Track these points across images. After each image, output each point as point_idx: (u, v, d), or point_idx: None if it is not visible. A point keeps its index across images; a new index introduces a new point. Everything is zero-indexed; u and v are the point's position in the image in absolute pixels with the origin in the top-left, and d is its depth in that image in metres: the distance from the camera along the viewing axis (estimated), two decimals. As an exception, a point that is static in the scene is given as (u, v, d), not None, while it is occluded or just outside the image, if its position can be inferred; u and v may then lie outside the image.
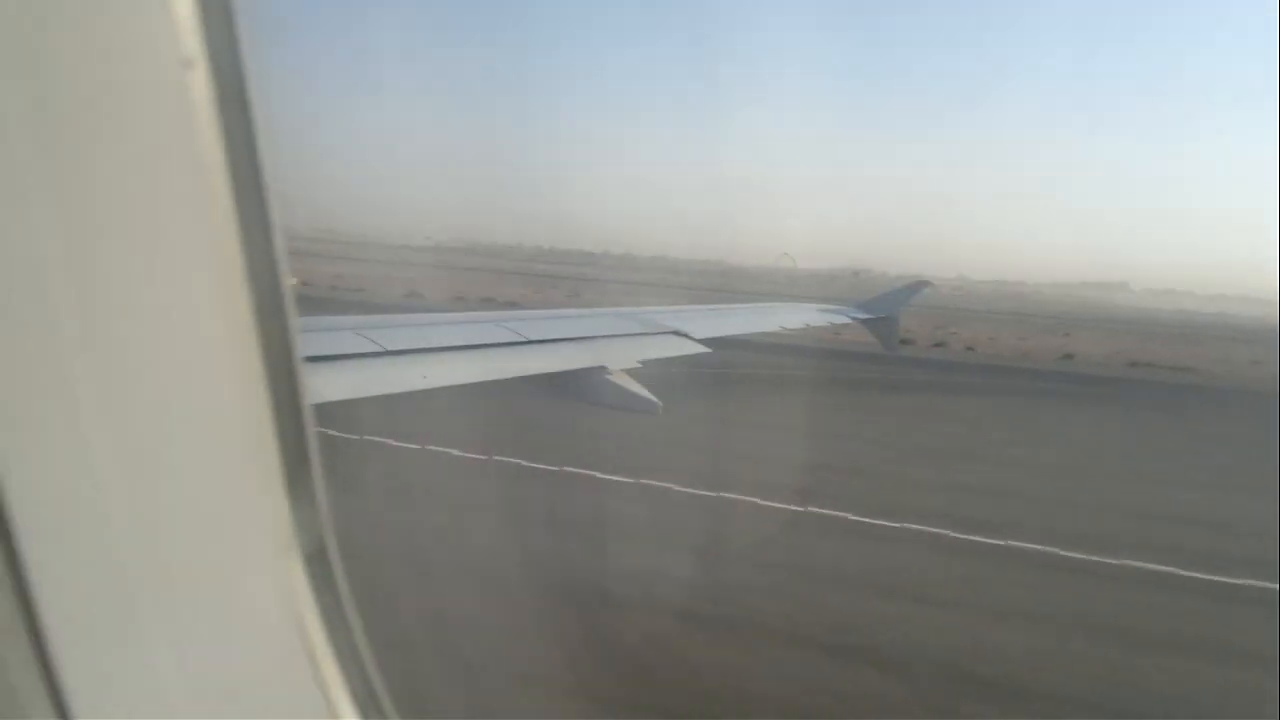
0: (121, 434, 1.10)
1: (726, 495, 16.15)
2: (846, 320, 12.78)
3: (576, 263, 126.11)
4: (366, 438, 16.84)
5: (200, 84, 1.07)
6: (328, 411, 5.72)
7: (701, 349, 8.72)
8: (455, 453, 17.28)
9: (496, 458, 17.32)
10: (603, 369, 7.40)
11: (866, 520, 15.22)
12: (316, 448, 1.27)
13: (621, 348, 7.99)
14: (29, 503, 1.04)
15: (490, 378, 6.76)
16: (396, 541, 12.45)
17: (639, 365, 7.77)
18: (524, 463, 17.09)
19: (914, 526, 14.79)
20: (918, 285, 14.38)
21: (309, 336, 5.84)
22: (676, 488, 16.15)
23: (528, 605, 10.92)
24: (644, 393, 7.39)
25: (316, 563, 1.26)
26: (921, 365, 37.23)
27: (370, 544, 12.12)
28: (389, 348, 6.01)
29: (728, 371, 25.54)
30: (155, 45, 1.05)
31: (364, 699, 1.31)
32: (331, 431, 15.03)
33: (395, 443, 17.20)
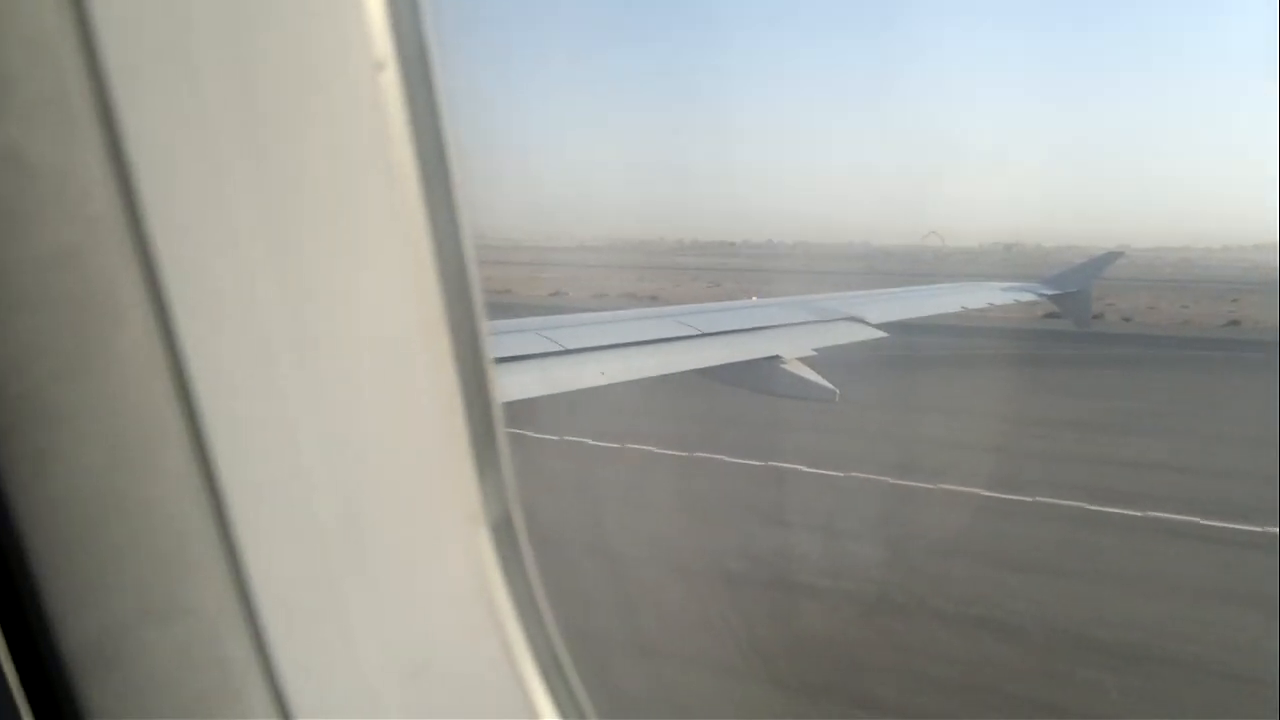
0: (325, 426, 1.14)
1: (944, 486, 15.61)
2: (1034, 298, 12.16)
3: (718, 254, 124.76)
4: (555, 436, 17.38)
5: (392, 86, 1.10)
6: (517, 411, 6.00)
7: (879, 334, 8.54)
8: (646, 448, 17.58)
9: (696, 453, 17.45)
10: (777, 358, 7.38)
11: (1105, 509, 14.38)
12: (503, 426, 1.29)
13: (796, 336, 7.94)
14: (245, 498, 1.10)
15: (666, 371, 6.86)
16: (611, 536, 12.78)
17: (814, 353, 7.70)
18: (715, 456, 17.11)
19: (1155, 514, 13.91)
20: (1110, 256, 13.51)
21: (494, 339, 6.11)
22: (886, 479, 15.72)
23: (757, 601, 10.99)
24: (820, 380, 7.32)
25: (503, 533, 1.28)
26: (1105, 340, 34.91)
27: (576, 534, 12.50)
28: (568, 346, 6.21)
29: (909, 356, 24.72)
30: (349, 48, 1.08)
31: (562, 698, 1.34)
32: (521, 431, 15.58)
33: (586, 440, 17.58)
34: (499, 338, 6.14)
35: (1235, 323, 45.16)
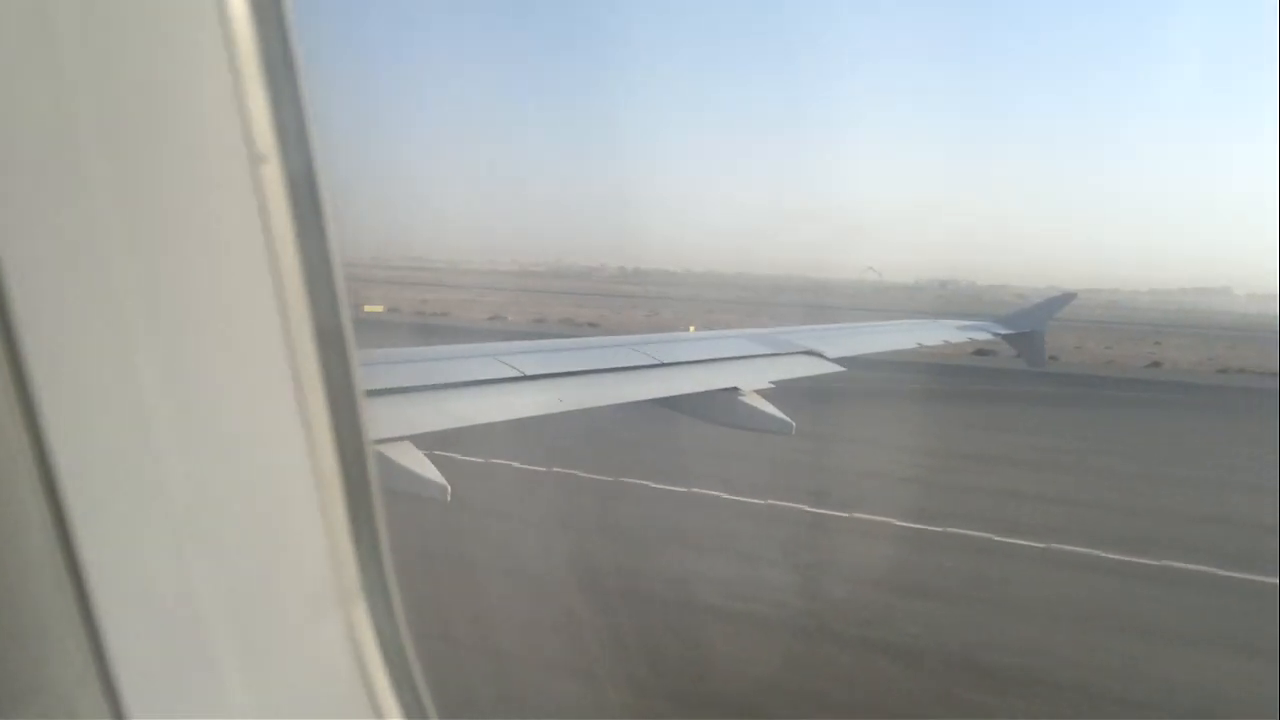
0: (190, 463, 1.13)
1: (857, 514, 16.01)
2: (989, 336, 12.34)
3: (658, 282, 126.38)
4: (505, 462, 17.34)
5: (273, 178, 1.12)
6: (475, 435, 5.92)
7: (836, 368, 8.58)
8: (587, 475, 17.61)
9: (627, 479, 17.52)
10: (735, 390, 7.37)
11: (1013, 541, 14.77)
12: (380, 492, 1.29)
13: (754, 368, 7.94)
14: (106, 576, 1.08)
15: (623, 400, 6.81)
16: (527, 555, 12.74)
17: (771, 386, 7.71)
18: (655, 485, 17.23)
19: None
20: (1065, 297, 13.79)
21: (451, 363, 6.04)
22: (803, 507, 16.02)
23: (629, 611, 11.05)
24: (777, 413, 7.32)
25: (380, 608, 1.28)
26: (1058, 380, 35.77)
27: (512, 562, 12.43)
28: (527, 372, 6.15)
29: (864, 390, 25.05)
30: (231, 141, 1.09)
31: (408, 700, 1.32)
32: (474, 458, 15.52)
33: (536, 467, 17.62)
34: (461, 362, 6.07)
35: (1156, 364, 46.88)
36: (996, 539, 15.07)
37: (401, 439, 4.79)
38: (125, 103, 1.04)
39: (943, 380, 32.94)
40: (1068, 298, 13.92)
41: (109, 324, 1.05)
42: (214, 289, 1.13)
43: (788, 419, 7.25)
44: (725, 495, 16.66)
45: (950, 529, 15.41)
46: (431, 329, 42.82)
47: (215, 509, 1.15)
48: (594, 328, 52.47)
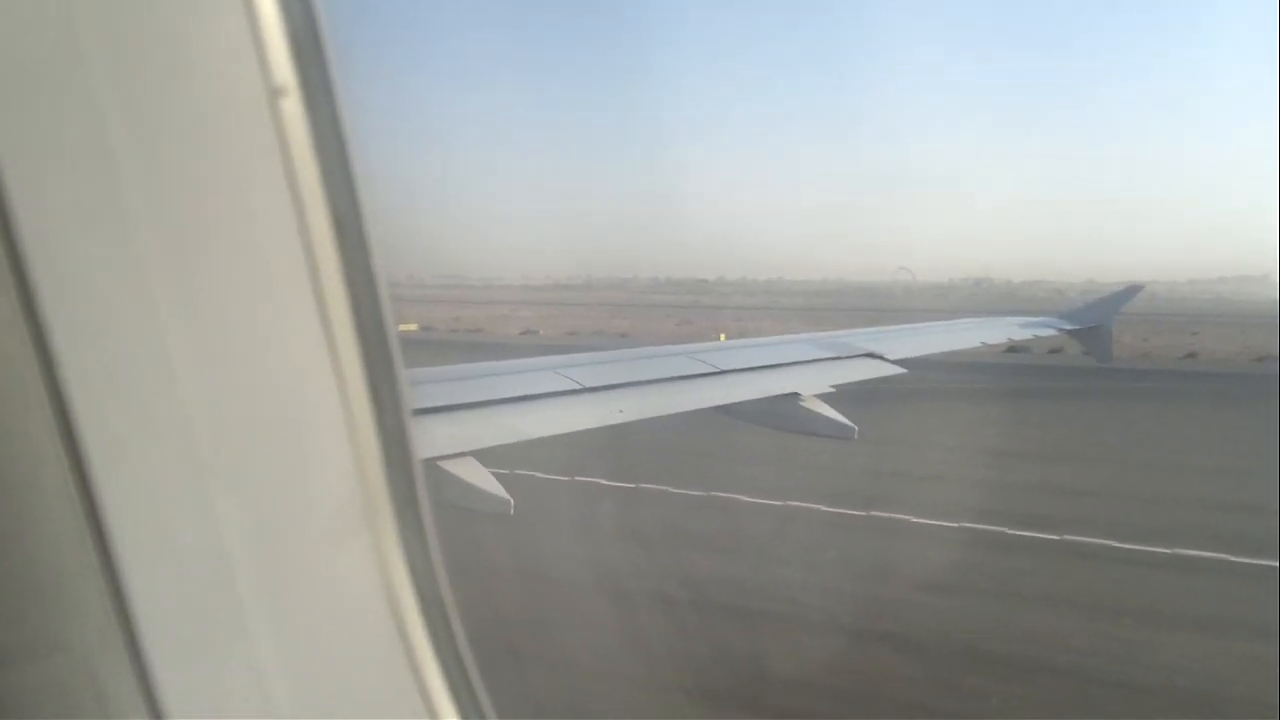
0: (232, 480, 1.10)
1: (873, 513, 15.69)
2: (1053, 333, 12.07)
3: (692, 291, 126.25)
4: (577, 478, 17.34)
5: (294, 113, 1.07)
6: (539, 450, 5.93)
7: (897, 370, 8.45)
8: (665, 488, 17.45)
9: (714, 492, 17.32)
10: (795, 395, 7.30)
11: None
12: (426, 495, 1.26)
13: (814, 373, 7.86)
14: (116, 468, 1.04)
15: (683, 409, 6.79)
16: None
17: (832, 390, 7.62)
18: (735, 496, 16.98)
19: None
20: (1131, 290, 13.39)
21: (510, 378, 6.07)
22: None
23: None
24: (838, 417, 7.23)
25: (432, 608, 1.24)
26: (1117, 375, 34.89)
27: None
28: (587, 385, 6.16)
29: (932, 391, 24.64)
30: (249, 75, 1.05)
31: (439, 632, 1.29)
32: (539, 474, 15.52)
33: (611, 482, 17.53)
34: (519, 376, 6.10)
35: (1193, 354, 45.99)
36: (1120, 545, 14.49)
37: (464, 454, 4.82)
38: (138, 37, 1.01)
39: (1006, 379, 32.33)
40: (1134, 290, 13.53)
41: (129, 271, 1.02)
42: (237, 232, 1.08)
43: (849, 423, 7.16)
44: (807, 505, 16.32)
45: (1069, 536, 14.93)
46: (465, 345, 43.26)
47: (238, 446, 1.11)
48: (625, 337, 52.61)
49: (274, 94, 1.06)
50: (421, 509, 1.25)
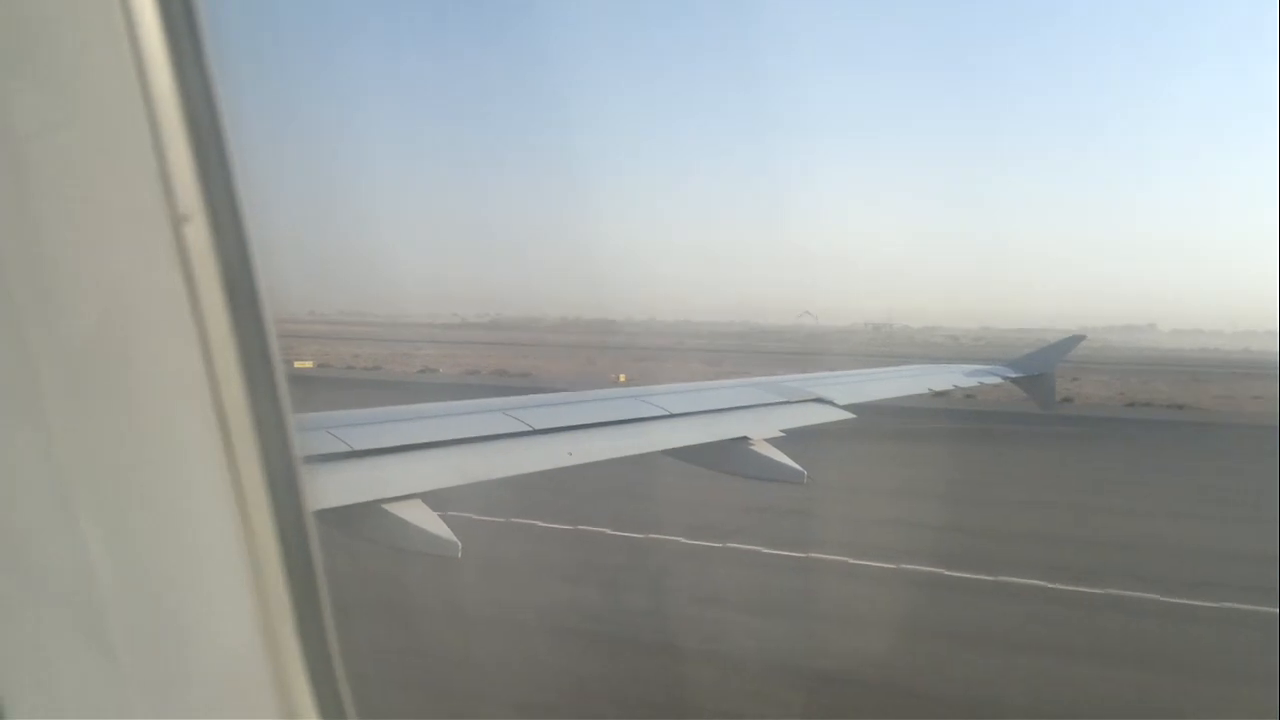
0: (117, 537, 1.09)
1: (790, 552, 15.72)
2: (999, 380, 12.31)
3: (598, 331, 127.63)
4: (523, 521, 17.14)
5: (199, 236, 1.08)
6: (487, 492, 5.87)
7: (846, 415, 8.52)
8: (599, 530, 17.35)
9: (652, 535, 17.27)
10: (745, 439, 7.31)
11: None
12: (326, 592, 1.24)
13: (763, 417, 7.89)
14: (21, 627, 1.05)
15: (634, 452, 6.75)
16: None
17: (781, 434, 7.64)
18: (681, 539, 16.92)
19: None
20: (1072, 340, 13.75)
21: (462, 419, 5.99)
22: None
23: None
24: (788, 462, 7.25)
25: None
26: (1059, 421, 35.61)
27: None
28: (536, 426, 6.10)
29: (880, 437, 24.88)
30: (154, 202, 1.06)
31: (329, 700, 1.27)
32: (476, 516, 15.36)
33: (555, 525, 17.37)
34: (469, 417, 6.03)
35: (1068, 399, 46.72)
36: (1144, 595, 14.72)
37: (411, 497, 4.73)
38: (38, 160, 1.01)
39: (948, 423, 32.85)
40: (1076, 340, 13.89)
41: (26, 391, 1.02)
42: (141, 361, 1.08)
43: (799, 467, 7.18)
44: (759, 549, 16.34)
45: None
46: (359, 383, 43.09)
47: (141, 603, 1.10)
48: (526, 377, 53.18)
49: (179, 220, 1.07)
50: (319, 592, 1.24)
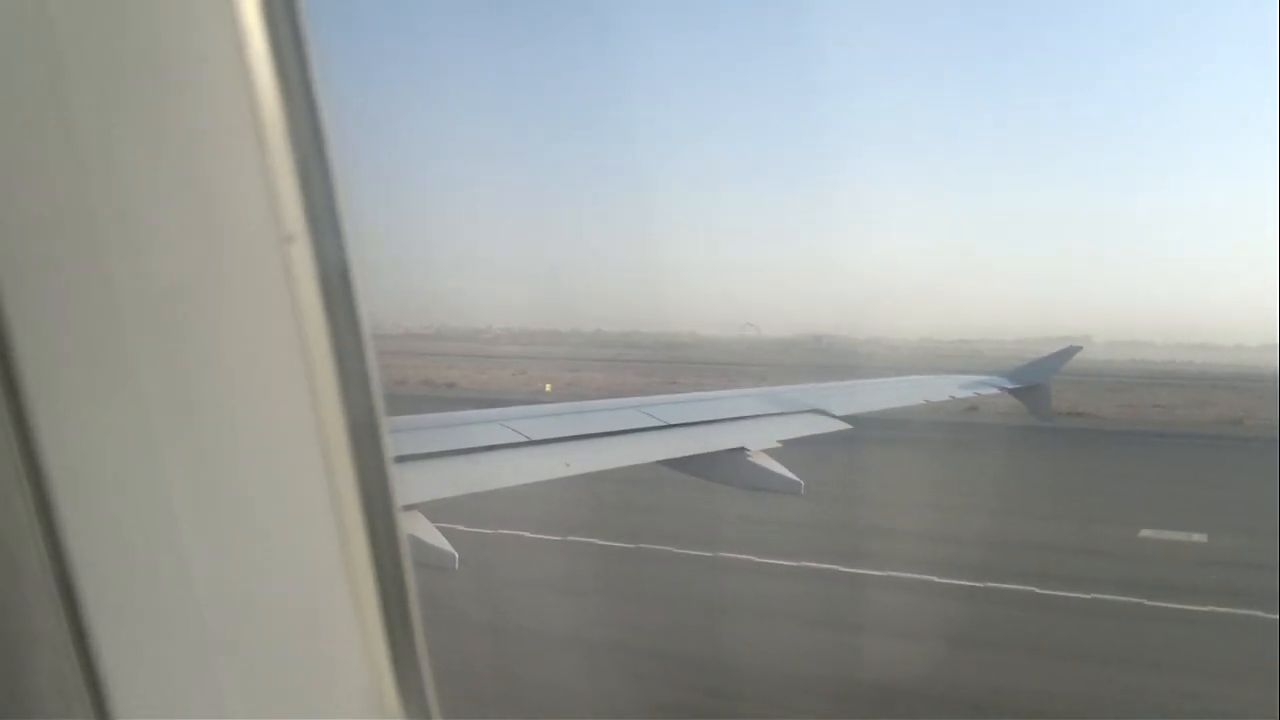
0: (211, 552, 1.12)
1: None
2: (994, 391, 12.33)
3: (542, 342, 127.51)
4: (518, 532, 17.20)
5: (303, 258, 1.12)
6: (486, 503, 5.89)
7: (843, 426, 8.55)
8: (593, 541, 17.47)
9: (636, 545, 17.41)
10: (742, 450, 7.34)
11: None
12: (416, 600, 1.28)
13: (760, 428, 7.92)
14: (113, 638, 1.08)
15: (630, 463, 6.79)
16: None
17: (778, 445, 7.67)
18: (674, 549, 17.08)
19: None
20: (1069, 351, 13.75)
21: (456, 430, 6.03)
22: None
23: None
24: (785, 472, 7.28)
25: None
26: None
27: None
28: (533, 437, 6.14)
29: (878, 447, 24.90)
30: (260, 221, 1.09)
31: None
32: (478, 529, 15.43)
33: (550, 536, 17.45)
34: (468, 429, 6.06)
35: (974, 408, 47.07)
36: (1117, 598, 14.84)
37: (409, 507, 4.77)
38: (150, 183, 1.04)
39: (945, 434, 32.91)
40: (1072, 350, 13.89)
41: (130, 406, 1.06)
42: (244, 376, 1.12)
43: (796, 478, 7.21)
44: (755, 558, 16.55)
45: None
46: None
47: (239, 603, 1.14)
48: (451, 388, 53.83)
49: (285, 240, 1.11)
50: (410, 602, 1.28)
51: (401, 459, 5.20)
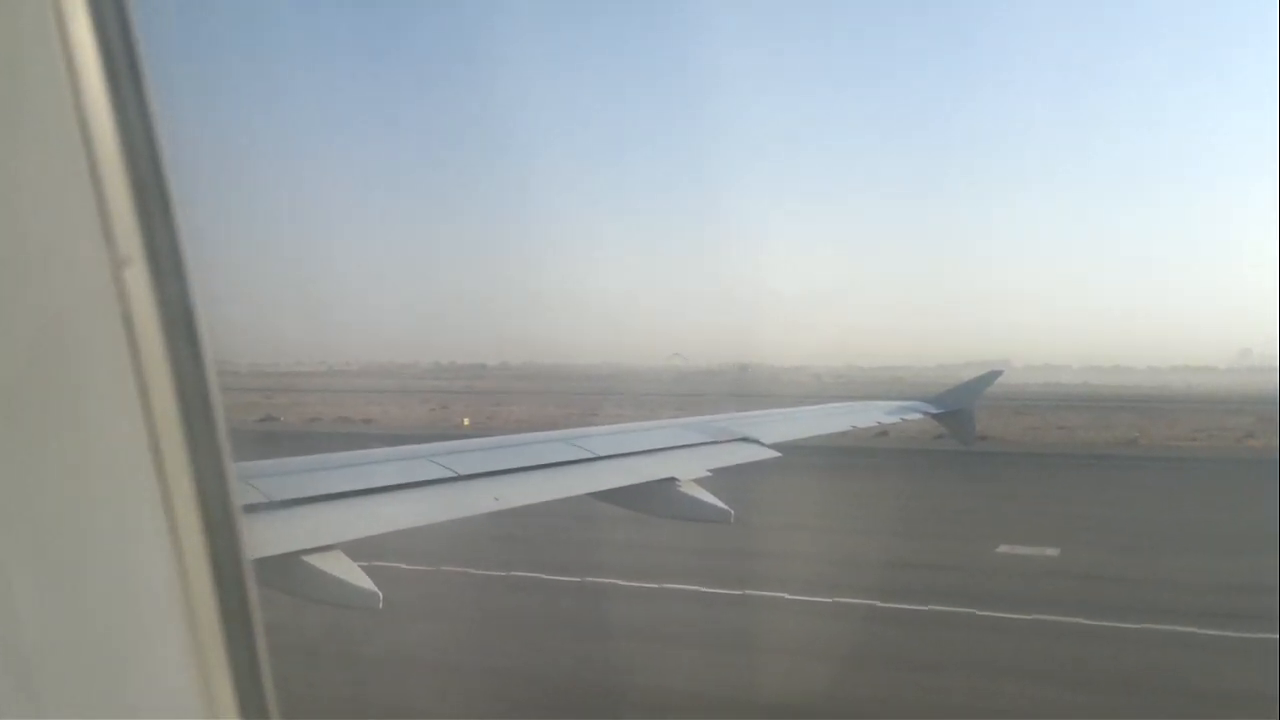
0: (45, 582, 1.08)
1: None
2: (920, 417, 12.55)
3: (468, 376, 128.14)
4: (448, 568, 16.99)
5: (139, 281, 1.07)
6: (407, 541, 5.75)
7: (772, 454, 8.58)
8: (522, 574, 17.46)
9: (567, 577, 17.37)
10: (673, 480, 7.30)
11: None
12: (260, 619, 1.26)
13: (691, 457, 7.89)
14: None
15: (560, 496, 6.70)
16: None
17: (709, 474, 7.65)
18: (610, 581, 17.16)
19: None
20: (991, 375, 14.09)
21: (385, 466, 5.88)
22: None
23: None
24: (715, 502, 7.25)
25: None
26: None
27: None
28: (461, 472, 6.01)
29: (808, 475, 25.25)
30: (91, 243, 1.04)
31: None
32: (403, 565, 15.34)
33: (483, 571, 17.49)
34: (397, 464, 5.91)
35: (884, 433, 48.47)
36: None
37: (331, 547, 4.60)
38: None
39: (858, 460, 33.67)
40: (994, 375, 14.23)
41: None
42: (76, 396, 1.06)
43: (726, 507, 7.19)
44: (700, 589, 16.87)
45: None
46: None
47: (61, 607, 1.08)
48: (369, 423, 54.74)
49: (118, 264, 1.06)
50: (253, 618, 1.26)
51: (329, 497, 5.04)
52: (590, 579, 17.35)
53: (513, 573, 17.59)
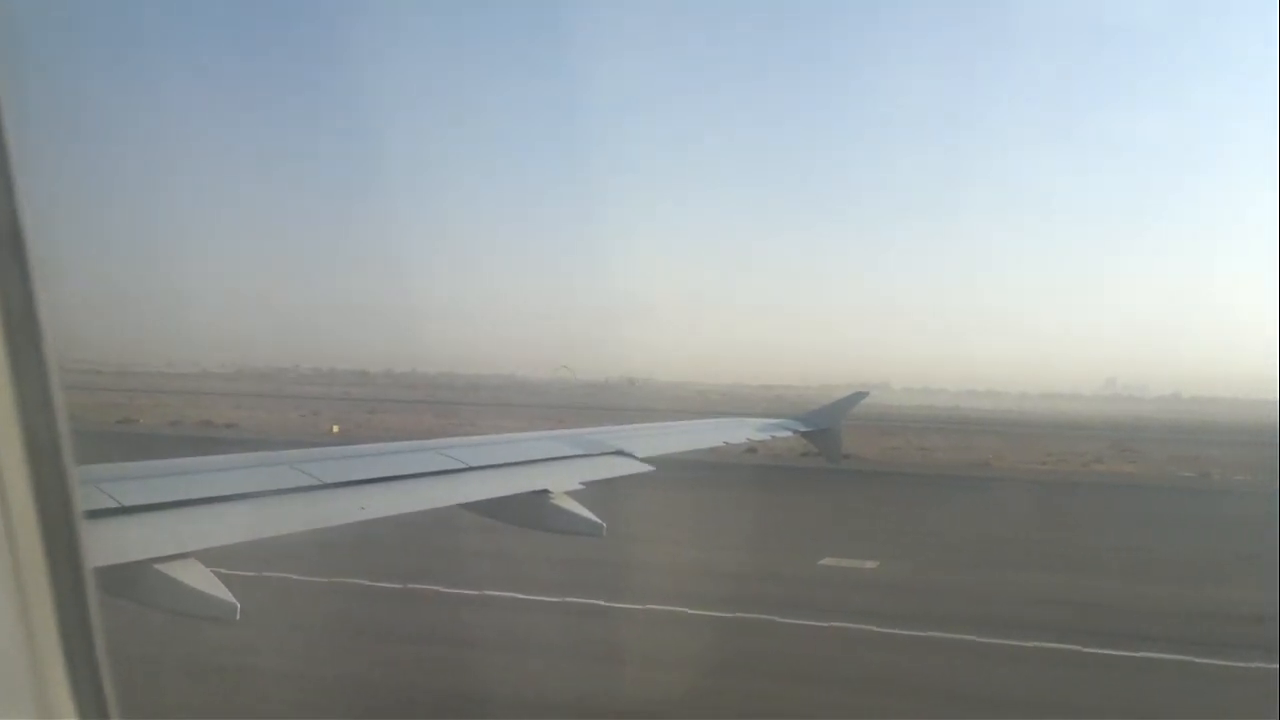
0: None
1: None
2: (789, 434, 12.89)
3: (348, 383, 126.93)
4: (315, 579, 16.55)
5: None
6: (273, 548, 5.57)
7: (645, 468, 8.67)
8: (381, 585, 17.41)
9: (423, 586, 17.41)
10: (545, 493, 7.30)
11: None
12: (99, 612, 1.25)
13: (563, 470, 7.91)
14: None
15: (430, 506, 6.61)
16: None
17: (581, 487, 7.68)
18: (466, 591, 17.12)
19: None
20: (856, 396, 14.59)
21: (244, 472, 5.70)
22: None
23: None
24: (587, 514, 7.29)
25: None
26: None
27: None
28: (325, 480, 5.88)
29: (672, 489, 25.50)
30: None
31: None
32: (273, 574, 14.96)
33: (353, 580, 17.33)
34: (255, 470, 5.73)
35: (753, 450, 49.91)
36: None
37: (185, 556, 4.44)
38: None
39: (722, 475, 34.28)
40: (859, 396, 14.75)
41: None
42: None
43: (598, 520, 7.23)
44: (522, 596, 17.15)
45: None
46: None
47: None
48: (231, 428, 53.38)
49: None
50: (91, 620, 1.24)
51: (186, 503, 4.85)
52: (420, 586, 17.61)
53: (379, 583, 17.45)
